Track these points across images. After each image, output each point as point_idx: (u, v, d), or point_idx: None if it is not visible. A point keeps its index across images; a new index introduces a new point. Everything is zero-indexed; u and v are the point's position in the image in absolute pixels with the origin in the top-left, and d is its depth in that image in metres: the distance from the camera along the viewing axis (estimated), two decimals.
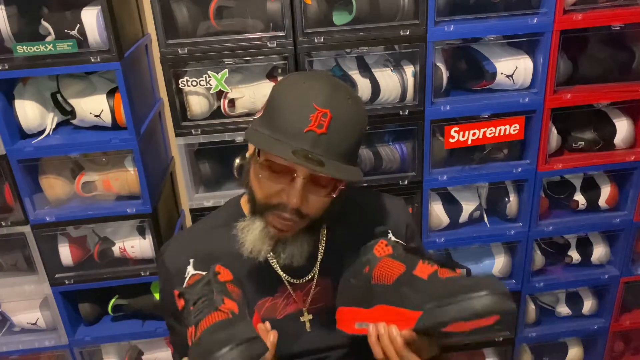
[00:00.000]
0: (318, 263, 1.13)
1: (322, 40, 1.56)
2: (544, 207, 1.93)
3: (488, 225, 1.93)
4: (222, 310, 0.87)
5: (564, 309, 2.13)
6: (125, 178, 1.72)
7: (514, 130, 1.70)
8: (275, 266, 1.11)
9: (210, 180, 1.79)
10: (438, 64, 1.67)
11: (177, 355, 1.20)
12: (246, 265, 1.06)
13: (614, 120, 1.84)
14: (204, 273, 0.96)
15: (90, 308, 1.91)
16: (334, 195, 0.97)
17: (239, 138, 1.65)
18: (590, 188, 1.93)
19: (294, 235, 1.00)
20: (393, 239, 1.01)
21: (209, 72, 1.57)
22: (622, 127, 1.83)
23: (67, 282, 1.79)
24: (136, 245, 1.80)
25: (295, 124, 0.89)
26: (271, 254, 1.05)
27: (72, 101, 1.64)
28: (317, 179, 0.93)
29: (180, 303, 0.94)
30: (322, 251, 1.13)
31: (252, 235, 0.99)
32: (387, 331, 0.90)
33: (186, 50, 1.55)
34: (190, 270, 0.98)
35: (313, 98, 0.89)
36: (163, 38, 1.55)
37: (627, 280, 2.04)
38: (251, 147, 1.00)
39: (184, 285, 0.96)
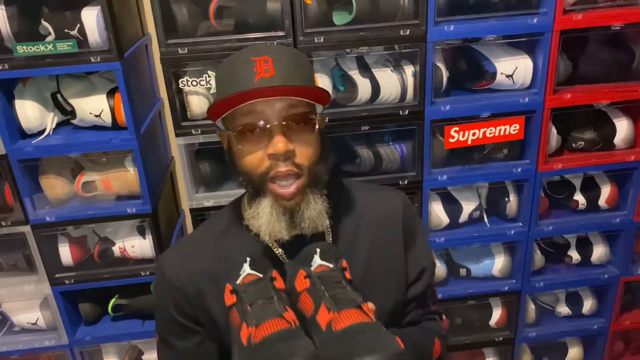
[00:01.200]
0: None
1: (322, 40, 1.56)
2: (544, 207, 1.93)
3: (488, 225, 1.93)
4: (285, 318, 0.84)
5: (564, 309, 2.13)
6: (125, 178, 1.72)
7: (514, 130, 1.70)
8: (282, 258, 1.04)
9: (210, 180, 1.79)
10: (438, 64, 1.67)
11: None
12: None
13: (614, 120, 1.84)
14: (261, 275, 0.92)
15: (90, 308, 1.91)
16: (316, 130, 0.94)
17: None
18: (590, 188, 1.93)
19: (304, 198, 0.95)
20: (318, 262, 0.93)
21: (209, 72, 1.57)
22: (622, 127, 1.83)
23: (67, 282, 1.79)
24: (136, 245, 1.80)
25: (245, 80, 0.89)
26: (283, 236, 0.98)
27: (72, 101, 1.64)
28: (291, 120, 0.91)
29: (232, 299, 0.90)
30: (330, 239, 1.06)
31: (263, 218, 0.95)
32: None
33: (186, 50, 1.55)
34: (247, 268, 0.93)
35: (248, 54, 0.91)
36: (163, 38, 1.55)
37: (627, 280, 2.05)
38: (224, 140, 1.00)
39: (239, 282, 0.92)
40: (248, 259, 0.93)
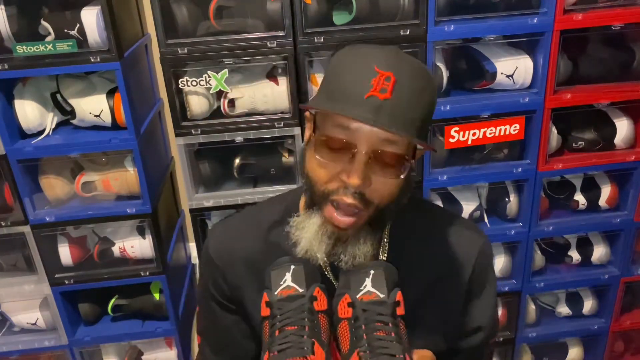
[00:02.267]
0: None
1: (322, 40, 1.56)
2: (544, 207, 1.93)
3: (488, 225, 1.92)
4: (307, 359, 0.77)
5: (564, 309, 2.13)
6: (125, 178, 1.72)
7: (514, 130, 1.70)
8: (329, 276, 0.97)
9: (210, 180, 1.79)
10: (438, 64, 1.67)
11: (208, 348, 1.08)
12: None
13: (614, 120, 1.84)
14: (302, 290, 0.83)
15: (90, 308, 1.91)
16: (403, 177, 0.83)
17: (239, 138, 1.65)
18: (591, 188, 1.93)
19: (355, 232, 0.87)
20: (367, 289, 0.83)
21: (208, 72, 1.56)
22: (623, 127, 1.83)
23: (67, 282, 1.79)
24: (136, 245, 1.80)
25: (355, 89, 0.77)
26: (325, 259, 0.91)
27: (72, 101, 1.64)
28: (381, 156, 0.80)
29: (266, 311, 0.85)
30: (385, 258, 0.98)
31: (308, 233, 0.87)
32: None
33: (186, 50, 1.55)
34: (288, 279, 0.84)
35: (374, 60, 0.78)
36: (163, 38, 1.55)
37: (627, 280, 2.04)
38: (308, 131, 0.89)
39: (276, 293, 0.84)
40: (292, 266, 0.85)
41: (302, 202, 0.98)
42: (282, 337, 0.79)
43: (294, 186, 1.72)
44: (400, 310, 0.83)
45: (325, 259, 0.91)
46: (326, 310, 0.85)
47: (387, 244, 0.97)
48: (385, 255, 0.97)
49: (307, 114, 0.90)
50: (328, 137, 0.81)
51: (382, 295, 0.82)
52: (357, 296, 0.83)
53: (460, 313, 1.01)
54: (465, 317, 1.02)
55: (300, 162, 0.92)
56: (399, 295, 0.83)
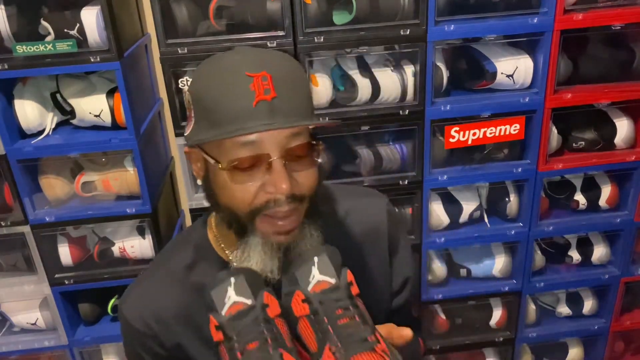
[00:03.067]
0: None
1: (322, 40, 1.56)
2: (544, 207, 1.93)
3: (488, 225, 1.92)
4: None
5: (564, 309, 2.13)
6: (125, 178, 1.72)
7: (514, 130, 1.70)
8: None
9: None
10: (438, 64, 1.67)
11: None
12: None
13: (615, 120, 1.84)
14: (249, 302, 0.77)
15: (90, 308, 1.91)
16: (319, 160, 0.82)
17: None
18: (591, 188, 1.93)
19: (300, 230, 0.84)
20: (317, 278, 0.78)
21: None
22: (623, 127, 1.83)
23: (66, 282, 1.79)
24: (136, 245, 1.80)
25: (240, 104, 0.74)
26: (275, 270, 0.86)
27: (72, 101, 1.64)
28: (293, 153, 0.78)
29: (218, 335, 0.77)
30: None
31: (255, 258, 0.83)
32: None
33: (186, 50, 1.55)
34: (232, 294, 0.77)
35: (241, 67, 0.75)
36: (163, 38, 1.55)
37: (628, 280, 2.04)
38: (199, 169, 0.86)
39: (224, 313, 0.77)
40: (232, 279, 0.77)
41: (211, 235, 0.94)
42: (247, 357, 0.73)
43: None
44: (354, 289, 0.79)
45: (278, 275, 0.85)
46: (281, 314, 0.79)
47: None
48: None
49: (186, 149, 0.86)
50: (238, 160, 0.77)
51: (333, 281, 0.78)
52: (309, 288, 0.78)
53: (389, 274, 1.02)
54: (393, 273, 1.03)
55: (207, 196, 0.87)
56: (349, 275, 0.80)
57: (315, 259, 0.79)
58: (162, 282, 0.93)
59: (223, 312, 0.77)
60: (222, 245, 0.92)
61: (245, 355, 0.73)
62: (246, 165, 0.77)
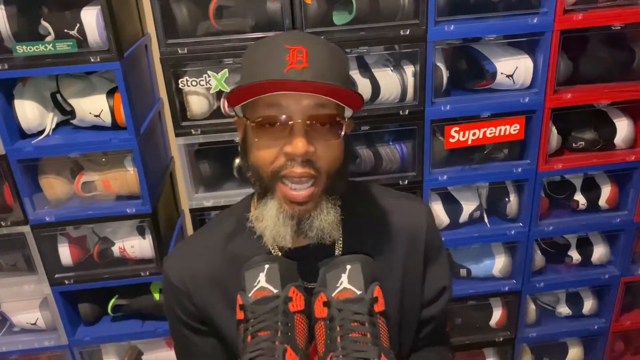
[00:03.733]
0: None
1: None
2: (544, 207, 1.93)
3: (488, 225, 1.92)
4: None
5: (564, 309, 2.13)
6: (125, 178, 1.72)
7: (514, 130, 1.70)
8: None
9: (210, 180, 1.79)
10: (438, 64, 1.67)
11: None
12: None
13: (614, 120, 1.84)
14: (276, 291, 0.80)
15: (90, 308, 1.91)
16: (341, 136, 0.87)
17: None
18: (591, 188, 1.93)
19: (316, 205, 0.87)
20: (344, 285, 0.80)
21: (208, 72, 1.56)
22: (623, 127, 1.83)
23: (66, 282, 1.79)
24: (136, 245, 1.80)
25: (273, 67, 0.81)
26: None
27: (72, 101, 1.64)
28: (317, 120, 0.84)
29: (240, 315, 0.82)
30: (340, 252, 0.98)
31: (269, 221, 0.87)
32: None
33: (186, 50, 1.55)
34: (262, 279, 0.81)
35: (282, 41, 0.83)
36: (163, 38, 1.55)
37: (627, 280, 2.04)
38: (240, 133, 0.93)
39: (250, 295, 0.81)
40: (266, 265, 0.82)
41: (253, 208, 0.99)
42: (254, 344, 0.77)
43: None
44: (378, 307, 0.80)
45: (289, 243, 0.90)
46: (303, 310, 0.82)
47: (341, 236, 0.97)
48: (341, 247, 0.97)
49: (235, 118, 0.93)
50: (263, 117, 0.84)
51: (358, 292, 0.80)
52: (333, 294, 0.80)
53: (422, 281, 1.03)
54: (427, 284, 1.04)
55: (242, 160, 0.93)
56: (376, 291, 0.81)
57: (348, 266, 0.82)
58: (203, 247, 1.02)
59: (250, 294, 0.81)
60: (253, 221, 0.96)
61: (254, 340, 0.77)
62: (271, 123, 0.84)
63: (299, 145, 0.81)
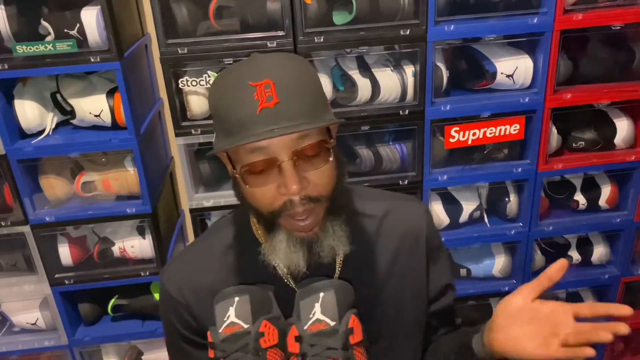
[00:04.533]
0: (335, 278, 0.97)
1: (322, 40, 1.56)
2: (544, 207, 1.93)
3: (488, 225, 1.92)
4: None
5: None
6: (125, 178, 1.72)
7: (514, 130, 1.70)
8: (292, 285, 0.95)
9: (210, 180, 1.79)
10: (438, 64, 1.67)
11: None
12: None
13: (614, 120, 1.84)
14: (246, 326, 0.77)
15: (90, 308, 1.91)
16: (331, 159, 0.84)
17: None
18: (591, 188, 1.93)
19: (322, 227, 0.87)
20: (316, 316, 0.77)
21: (208, 71, 1.57)
22: (623, 127, 1.83)
23: (66, 282, 1.79)
24: (136, 245, 1.80)
25: (244, 112, 0.78)
26: (285, 269, 0.91)
27: (72, 101, 1.64)
28: (303, 154, 0.81)
29: (211, 353, 0.79)
30: (340, 267, 0.97)
31: (281, 252, 0.86)
32: None
33: (186, 50, 1.55)
34: (232, 314, 0.78)
35: (245, 78, 0.79)
36: (163, 38, 1.55)
37: (627, 280, 2.04)
38: (229, 168, 0.89)
39: (220, 331, 0.78)
40: (236, 298, 0.79)
41: (253, 220, 0.98)
42: None
43: None
44: (354, 338, 0.76)
45: (285, 269, 0.91)
46: (278, 344, 0.78)
47: (341, 256, 0.96)
48: (341, 258, 0.96)
49: (222, 157, 0.90)
50: (249, 165, 0.82)
51: (332, 323, 0.76)
52: (306, 327, 0.76)
53: (426, 280, 1.03)
54: (431, 281, 1.03)
55: (238, 198, 0.91)
56: (352, 321, 0.77)
57: (321, 294, 0.78)
58: (202, 257, 1.00)
59: (220, 331, 0.78)
60: (260, 232, 0.96)
61: None
62: (258, 169, 0.81)
63: (293, 187, 0.79)
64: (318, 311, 0.77)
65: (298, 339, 0.77)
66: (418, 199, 1.06)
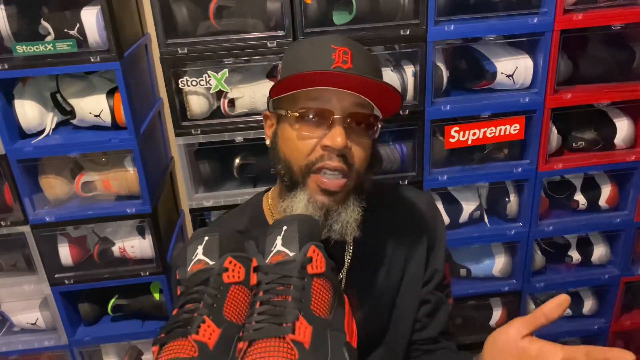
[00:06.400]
0: (345, 270, 0.99)
1: None
2: (544, 207, 1.93)
3: (488, 225, 1.92)
4: (189, 341, 0.66)
5: None
6: (125, 178, 1.72)
7: (514, 130, 1.70)
8: None
9: (210, 180, 1.79)
10: (438, 64, 1.67)
11: None
12: None
13: (614, 120, 1.84)
14: (212, 263, 0.75)
15: (90, 308, 1.91)
16: (375, 136, 0.92)
17: (239, 138, 1.65)
18: (591, 188, 1.93)
19: (344, 199, 0.90)
20: (277, 248, 0.75)
21: (208, 71, 1.56)
22: (623, 127, 1.83)
23: (66, 282, 1.79)
24: (136, 245, 1.80)
25: (320, 62, 0.85)
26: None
27: (72, 101, 1.64)
28: (355, 118, 0.87)
29: (177, 290, 0.78)
30: (350, 257, 0.99)
31: (299, 212, 0.88)
32: None
33: (186, 50, 1.55)
34: (199, 252, 0.77)
35: (329, 41, 0.87)
36: (163, 38, 1.55)
37: (628, 280, 2.04)
38: (269, 127, 0.94)
39: (188, 269, 0.77)
40: (206, 237, 0.78)
41: (266, 207, 1.02)
42: (174, 317, 0.72)
43: None
44: (313, 268, 0.72)
45: None
46: (244, 281, 0.76)
47: (351, 246, 0.99)
48: (351, 254, 0.99)
49: (266, 112, 0.96)
50: (306, 109, 0.86)
51: (291, 254, 0.72)
52: (267, 259, 0.74)
53: (423, 269, 1.05)
54: (428, 266, 1.06)
55: (272, 153, 0.94)
56: (311, 250, 0.73)
57: (284, 227, 0.76)
58: None
59: (188, 269, 0.77)
60: (275, 218, 0.98)
61: (177, 313, 0.72)
62: (312, 115, 0.86)
63: (337, 140, 0.84)
64: (279, 243, 0.74)
65: (256, 269, 0.74)
66: (423, 190, 1.09)
